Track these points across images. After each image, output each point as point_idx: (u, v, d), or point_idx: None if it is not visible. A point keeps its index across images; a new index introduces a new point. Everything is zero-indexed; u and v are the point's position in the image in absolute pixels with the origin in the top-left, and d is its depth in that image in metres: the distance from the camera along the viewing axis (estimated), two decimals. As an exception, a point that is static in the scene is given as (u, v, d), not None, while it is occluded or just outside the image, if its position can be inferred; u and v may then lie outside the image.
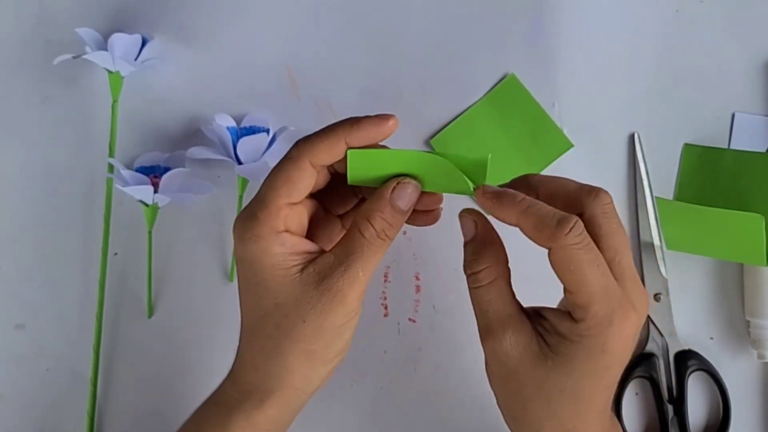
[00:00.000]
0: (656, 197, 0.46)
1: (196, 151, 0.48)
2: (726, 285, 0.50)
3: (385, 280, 0.49)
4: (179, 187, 0.48)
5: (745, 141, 0.51)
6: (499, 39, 0.53)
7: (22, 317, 0.49)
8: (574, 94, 0.52)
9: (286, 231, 0.34)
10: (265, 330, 0.34)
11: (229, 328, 0.48)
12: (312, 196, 0.36)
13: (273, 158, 0.48)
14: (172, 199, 0.47)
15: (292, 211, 0.35)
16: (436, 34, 0.53)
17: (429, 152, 0.35)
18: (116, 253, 0.50)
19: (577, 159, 0.51)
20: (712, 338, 0.50)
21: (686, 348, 0.48)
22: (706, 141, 0.51)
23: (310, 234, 0.37)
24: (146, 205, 0.47)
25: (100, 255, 0.48)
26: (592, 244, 0.32)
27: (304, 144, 0.34)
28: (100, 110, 0.51)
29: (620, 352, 0.32)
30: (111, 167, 0.49)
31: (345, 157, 0.34)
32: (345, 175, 0.35)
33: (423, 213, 0.37)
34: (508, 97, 0.52)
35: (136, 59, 0.50)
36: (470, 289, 0.35)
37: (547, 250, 0.32)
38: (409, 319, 0.49)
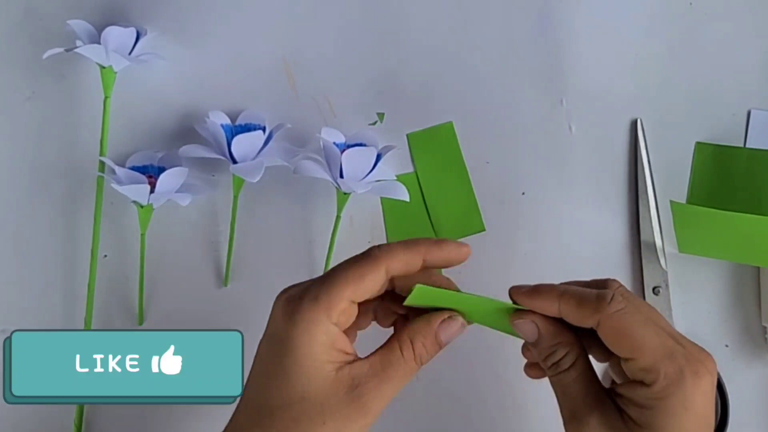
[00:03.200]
0: (671, 201, 0.45)
1: (189, 150, 0.46)
2: (742, 290, 0.49)
3: (387, 284, 0.48)
4: (177, 187, 0.46)
5: (761, 139, 0.50)
6: (505, 33, 0.51)
7: (6, 322, 0.47)
8: (583, 91, 0.51)
9: (335, 324, 0.34)
10: (281, 419, 0.33)
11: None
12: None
13: (269, 157, 0.46)
14: (169, 200, 0.45)
15: (349, 308, 0.34)
16: (441, 26, 0.51)
17: (492, 299, 0.35)
18: (106, 255, 0.48)
19: (585, 157, 0.50)
20: (727, 346, 0.48)
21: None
22: (720, 139, 0.50)
23: None
24: (141, 206, 0.45)
25: (89, 257, 0.47)
26: (639, 305, 0.33)
27: (386, 249, 0.35)
28: (90, 107, 0.49)
29: (702, 408, 0.32)
30: (102, 166, 0.47)
31: (412, 275, 0.35)
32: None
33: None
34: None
35: (130, 53, 0.48)
36: (551, 377, 0.35)
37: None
38: (412, 325, 0.47)
